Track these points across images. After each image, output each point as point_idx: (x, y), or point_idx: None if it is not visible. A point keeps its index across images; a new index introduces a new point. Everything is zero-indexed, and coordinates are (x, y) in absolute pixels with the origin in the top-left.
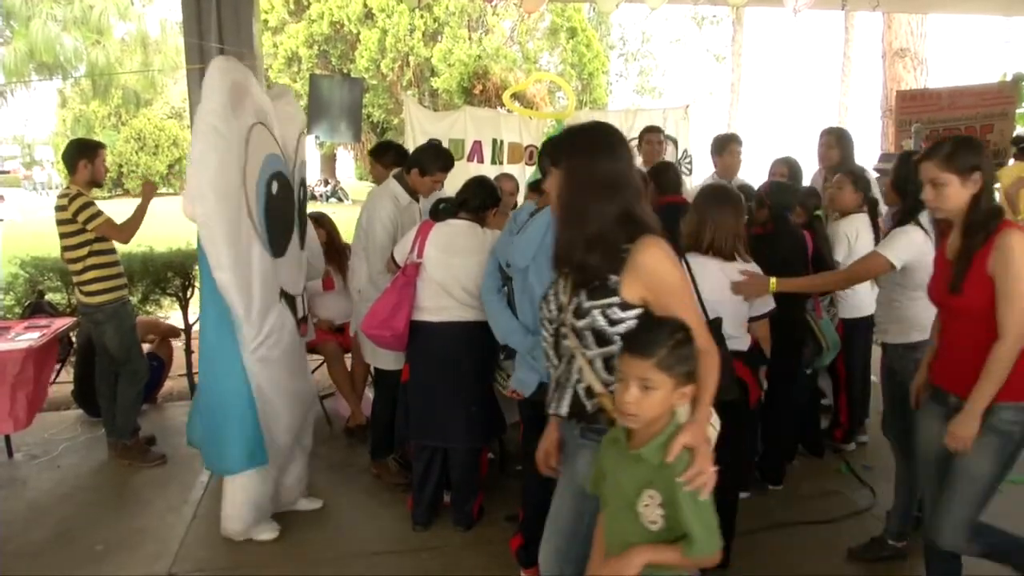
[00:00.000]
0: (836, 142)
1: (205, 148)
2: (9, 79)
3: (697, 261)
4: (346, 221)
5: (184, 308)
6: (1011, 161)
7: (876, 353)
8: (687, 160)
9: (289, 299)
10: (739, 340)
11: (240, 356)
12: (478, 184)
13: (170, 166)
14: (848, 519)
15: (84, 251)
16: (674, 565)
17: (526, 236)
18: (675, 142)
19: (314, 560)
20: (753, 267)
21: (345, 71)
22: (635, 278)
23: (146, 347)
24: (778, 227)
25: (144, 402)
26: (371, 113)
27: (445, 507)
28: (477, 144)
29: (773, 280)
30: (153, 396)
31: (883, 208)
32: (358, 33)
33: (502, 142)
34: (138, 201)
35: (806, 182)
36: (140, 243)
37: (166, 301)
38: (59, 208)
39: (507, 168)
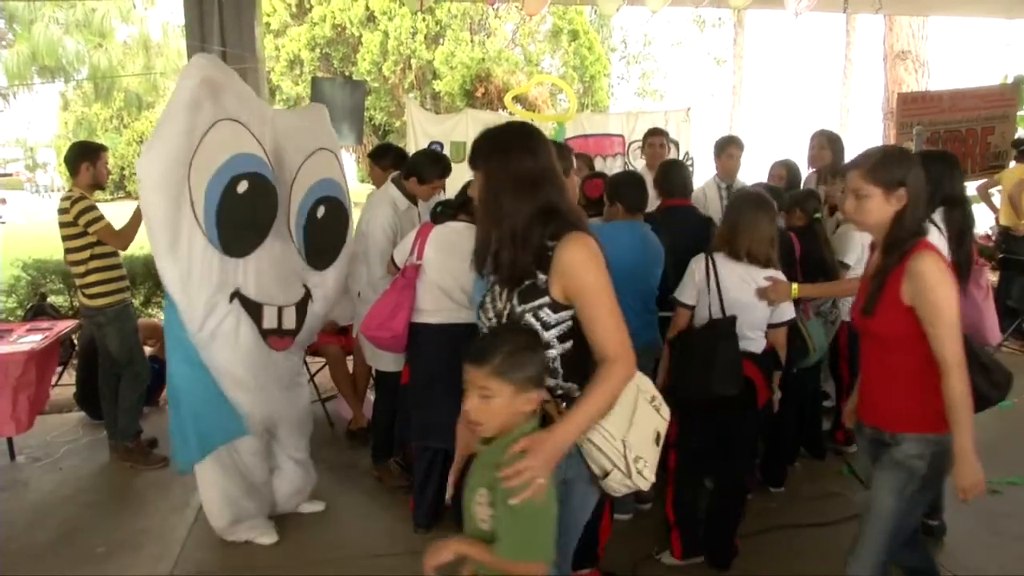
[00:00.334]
0: (828, 143)
1: (154, 138)
2: (11, 82)
3: (723, 263)
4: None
5: None
6: (1012, 163)
7: None
8: (688, 162)
9: (251, 305)
10: (754, 342)
11: (189, 346)
12: None
13: None
14: (849, 521)
15: (86, 254)
16: (489, 564)
17: None
18: (677, 145)
19: (316, 562)
20: (778, 273)
21: (347, 74)
22: (558, 276)
23: (148, 350)
24: None
25: (146, 405)
26: (373, 116)
27: (447, 509)
28: None
29: (795, 286)
30: (155, 399)
31: None
32: (360, 36)
33: None
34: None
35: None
36: (142, 246)
37: None
38: (61, 211)
39: None
